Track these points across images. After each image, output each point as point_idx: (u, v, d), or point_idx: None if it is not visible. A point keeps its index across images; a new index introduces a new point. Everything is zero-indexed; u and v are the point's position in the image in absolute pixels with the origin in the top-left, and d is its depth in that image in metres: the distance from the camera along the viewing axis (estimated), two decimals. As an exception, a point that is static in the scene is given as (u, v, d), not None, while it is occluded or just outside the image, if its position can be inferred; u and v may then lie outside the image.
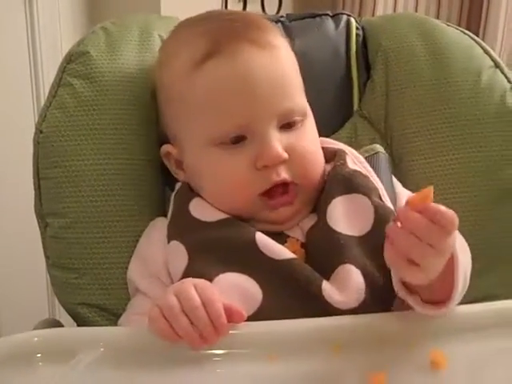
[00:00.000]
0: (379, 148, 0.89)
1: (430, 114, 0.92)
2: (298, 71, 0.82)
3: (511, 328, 0.66)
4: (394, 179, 0.88)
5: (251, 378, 0.62)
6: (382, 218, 0.75)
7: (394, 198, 0.83)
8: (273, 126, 0.76)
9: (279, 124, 0.76)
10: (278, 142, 0.75)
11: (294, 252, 0.74)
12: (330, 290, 0.70)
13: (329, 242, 0.75)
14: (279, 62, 0.78)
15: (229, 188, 0.77)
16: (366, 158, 0.85)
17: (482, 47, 0.95)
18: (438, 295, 0.67)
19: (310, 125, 0.81)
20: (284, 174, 0.76)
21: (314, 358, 0.63)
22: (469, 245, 0.77)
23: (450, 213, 0.61)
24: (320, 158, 0.81)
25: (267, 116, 0.75)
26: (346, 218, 0.76)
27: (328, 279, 0.72)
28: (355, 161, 0.83)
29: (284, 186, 0.77)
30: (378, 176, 0.83)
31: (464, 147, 0.90)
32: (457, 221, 0.61)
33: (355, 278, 0.71)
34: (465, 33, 0.98)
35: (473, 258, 0.77)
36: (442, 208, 0.61)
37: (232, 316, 0.66)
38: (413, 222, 0.61)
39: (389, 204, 0.79)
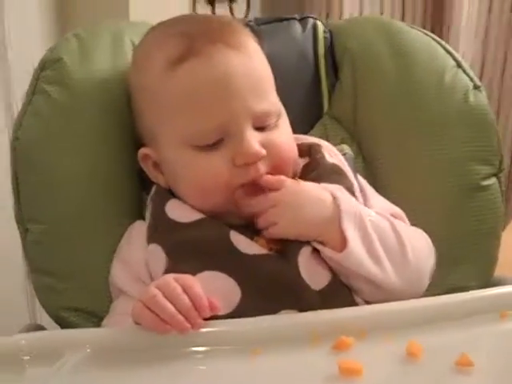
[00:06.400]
0: (346, 148, 0.92)
1: (395, 114, 0.94)
2: (271, 73, 0.84)
3: (482, 316, 0.69)
4: (360, 178, 0.90)
5: (235, 373, 0.64)
6: None
7: None
8: (249, 126, 0.77)
9: (255, 125, 0.78)
10: (255, 139, 0.77)
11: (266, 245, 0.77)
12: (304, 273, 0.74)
13: None
14: (254, 64, 0.80)
15: (207, 185, 0.77)
16: None
17: (444, 48, 0.97)
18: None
19: (284, 123, 0.82)
20: (263, 170, 0.77)
21: (295, 352, 0.65)
22: (438, 240, 0.82)
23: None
24: (295, 152, 0.83)
25: (244, 115, 0.77)
26: None
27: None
28: (331, 153, 0.86)
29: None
30: None
31: (428, 146, 0.92)
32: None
33: (315, 258, 0.75)
34: (428, 34, 1.00)
35: (443, 253, 0.82)
36: None
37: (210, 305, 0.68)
38: None
39: (360, 200, 0.82)
